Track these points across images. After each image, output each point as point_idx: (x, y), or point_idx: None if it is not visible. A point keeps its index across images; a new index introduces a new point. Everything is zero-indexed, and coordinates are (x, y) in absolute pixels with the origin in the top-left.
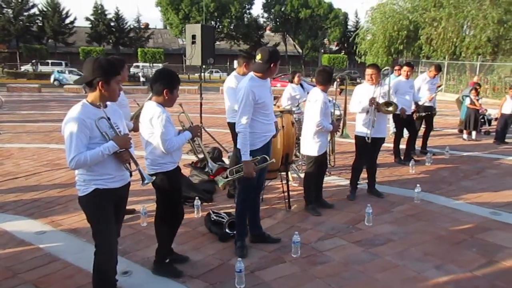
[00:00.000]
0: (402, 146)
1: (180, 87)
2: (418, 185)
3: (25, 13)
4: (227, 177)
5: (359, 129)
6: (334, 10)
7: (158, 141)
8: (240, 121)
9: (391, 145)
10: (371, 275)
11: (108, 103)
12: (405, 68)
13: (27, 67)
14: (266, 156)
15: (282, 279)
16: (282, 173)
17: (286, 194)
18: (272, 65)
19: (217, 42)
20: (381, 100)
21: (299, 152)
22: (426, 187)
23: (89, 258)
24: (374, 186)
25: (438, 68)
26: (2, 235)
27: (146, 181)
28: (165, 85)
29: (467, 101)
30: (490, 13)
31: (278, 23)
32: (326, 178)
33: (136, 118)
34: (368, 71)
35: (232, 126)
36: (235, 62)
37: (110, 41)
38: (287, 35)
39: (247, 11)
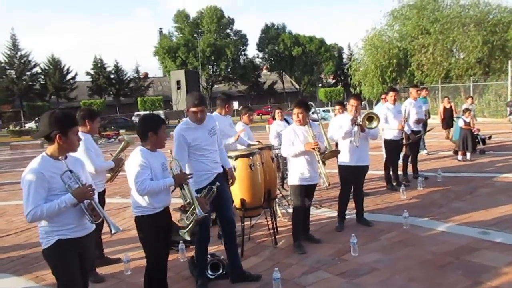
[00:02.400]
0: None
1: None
2: (405, 210)
3: (28, 73)
4: (187, 226)
5: (342, 159)
6: (325, 45)
7: (132, 184)
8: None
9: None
10: None
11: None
12: (391, 93)
13: (31, 125)
14: (212, 186)
15: None
16: (267, 209)
17: (272, 230)
18: (186, 111)
19: (216, 85)
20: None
21: (283, 186)
22: (416, 212)
23: None
24: (363, 215)
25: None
26: None
27: (113, 231)
28: (149, 128)
29: (460, 123)
30: (475, 36)
31: (273, 62)
32: (317, 211)
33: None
34: (352, 102)
35: None
36: (235, 103)
37: (111, 92)
38: (283, 73)
39: (243, 53)
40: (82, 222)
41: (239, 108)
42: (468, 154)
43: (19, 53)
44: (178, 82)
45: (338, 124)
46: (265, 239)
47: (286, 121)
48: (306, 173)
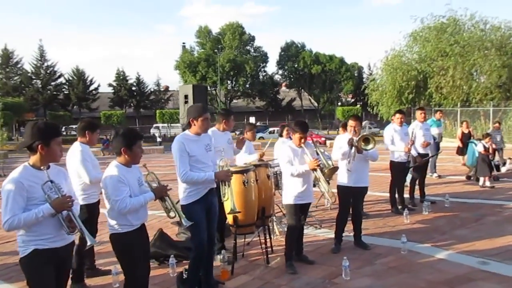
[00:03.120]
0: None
1: None
2: (403, 235)
3: (53, 83)
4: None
5: (341, 179)
6: (345, 64)
7: (110, 202)
8: (180, 171)
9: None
10: None
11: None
12: (397, 115)
13: None
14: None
15: None
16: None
17: (264, 249)
18: (191, 121)
19: (234, 100)
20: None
21: None
22: (417, 237)
23: None
24: (361, 238)
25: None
26: None
27: (88, 244)
28: (122, 144)
29: (480, 148)
30: (493, 60)
31: (292, 79)
32: (316, 231)
33: None
34: (351, 122)
35: None
36: (251, 118)
37: (132, 104)
38: (302, 90)
39: (262, 69)
40: (60, 233)
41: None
42: (487, 179)
43: (45, 64)
44: (186, 96)
45: (339, 144)
46: (258, 257)
47: (291, 138)
48: (300, 192)
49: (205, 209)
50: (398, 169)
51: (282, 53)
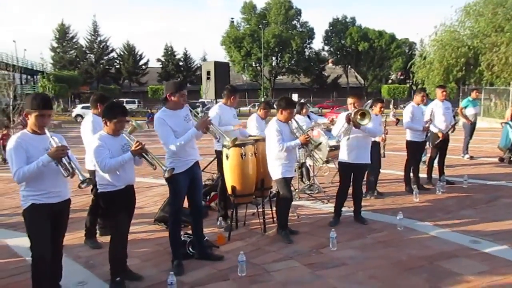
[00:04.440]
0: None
1: None
2: (400, 212)
3: (105, 57)
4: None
5: (342, 156)
6: (396, 40)
7: (94, 164)
8: (168, 146)
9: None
10: None
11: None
12: (420, 93)
13: None
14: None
15: None
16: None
17: (261, 219)
18: (168, 96)
19: (279, 77)
20: None
21: (306, 179)
22: (420, 215)
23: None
24: (360, 213)
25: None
26: (2, 248)
27: (81, 178)
28: (105, 116)
29: None
30: None
31: (339, 56)
32: (322, 205)
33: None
34: (350, 100)
35: (218, 154)
36: (294, 95)
37: (179, 79)
38: (349, 67)
39: (308, 45)
40: (55, 190)
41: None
42: None
43: (98, 39)
44: (208, 73)
45: (340, 120)
46: (258, 226)
47: (309, 117)
48: (289, 166)
49: (188, 180)
50: (413, 148)
51: (330, 28)
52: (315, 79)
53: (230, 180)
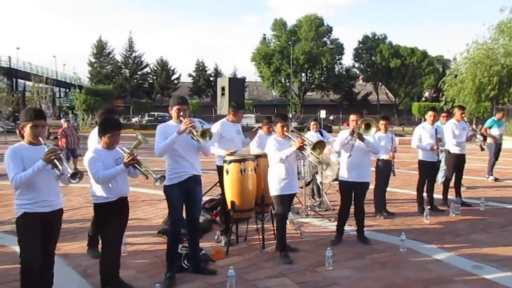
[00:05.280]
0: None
1: None
2: (403, 233)
3: (139, 72)
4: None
5: (342, 174)
6: (428, 57)
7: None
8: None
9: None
10: None
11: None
12: (430, 113)
13: (136, 119)
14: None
15: None
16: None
17: (261, 235)
18: (169, 109)
19: (308, 93)
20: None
21: (317, 196)
22: (427, 237)
23: (60, 277)
24: (363, 233)
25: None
26: (8, 254)
27: (68, 171)
28: (99, 131)
29: None
30: None
31: (369, 73)
32: (328, 223)
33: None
34: (352, 117)
35: (219, 169)
36: (322, 112)
37: (209, 94)
38: (379, 84)
39: (338, 62)
40: (47, 199)
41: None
42: None
43: (133, 54)
44: (223, 88)
45: (344, 135)
46: (258, 242)
47: (321, 133)
48: (286, 183)
49: (183, 193)
50: (425, 168)
51: (360, 45)
52: (345, 95)
53: (230, 195)
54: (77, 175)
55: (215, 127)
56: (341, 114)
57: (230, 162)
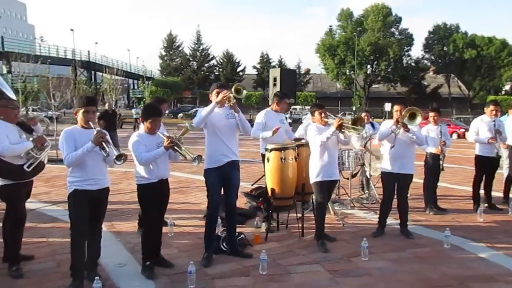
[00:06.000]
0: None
1: None
2: (447, 229)
3: (206, 64)
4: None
5: (384, 165)
6: (508, 46)
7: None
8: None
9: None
10: None
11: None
12: (491, 107)
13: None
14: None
15: (230, 287)
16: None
17: (300, 224)
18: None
19: (374, 85)
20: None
21: (366, 188)
22: (477, 235)
23: (110, 250)
24: (406, 227)
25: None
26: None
27: (115, 154)
28: (142, 116)
29: None
30: None
31: (440, 64)
32: (373, 216)
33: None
34: (396, 107)
35: (262, 157)
36: (387, 105)
37: None
38: (451, 76)
39: (406, 53)
40: (97, 178)
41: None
42: None
43: (201, 47)
44: (274, 79)
45: (387, 125)
46: (298, 231)
47: (372, 125)
48: (326, 169)
49: (221, 177)
50: (482, 164)
51: (431, 36)
52: (413, 88)
53: (270, 182)
54: (121, 157)
55: (259, 116)
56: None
57: (271, 150)
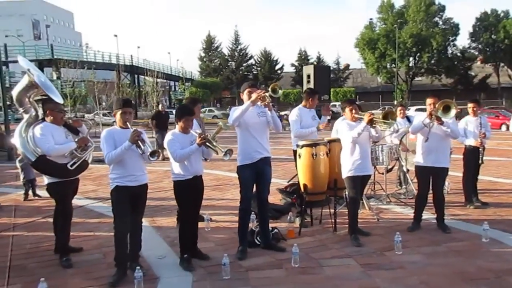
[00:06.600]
0: None
1: None
2: (485, 223)
3: (244, 64)
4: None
5: (417, 159)
6: None
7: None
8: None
9: None
10: None
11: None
12: None
13: None
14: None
15: (263, 279)
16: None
17: (333, 219)
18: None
19: (417, 78)
20: None
21: (404, 183)
22: None
23: (151, 244)
24: (443, 221)
25: None
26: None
27: (148, 150)
28: (176, 116)
29: None
30: None
31: (488, 53)
32: (409, 211)
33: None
34: (429, 101)
35: (294, 153)
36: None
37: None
38: (501, 65)
39: (451, 43)
40: (137, 174)
41: None
42: None
43: (239, 47)
44: (308, 76)
45: (421, 118)
46: (331, 226)
47: (408, 119)
48: (358, 164)
49: (254, 173)
50: None
51: (478, 23)
52: (459, 79)
53: (302, 178)
54: (156, 153)
55: (293, 114)
56: (454, 99)
57: (303, 146)
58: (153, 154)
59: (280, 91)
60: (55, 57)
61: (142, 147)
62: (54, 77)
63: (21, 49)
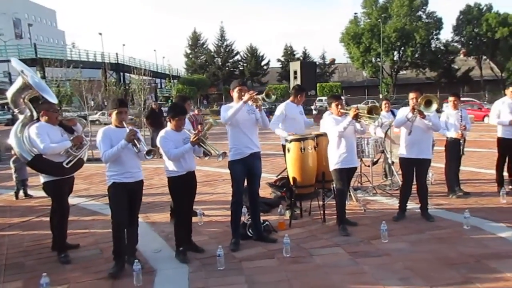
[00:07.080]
0: None
1: None
2: (466, 211)
3: (230, 60)
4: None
5: (401, 151)
6: None
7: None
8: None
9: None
10: (331, 275)
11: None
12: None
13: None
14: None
15: (256, 268)
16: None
17: (321, 210)
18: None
19: (402, 72)
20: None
21: (389, 175)
22: (497, 216)
23: (146, 239)
24: (426, 210)
25: None
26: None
27: (144, 149)
28: (168, 114)
29: None
30: None
31: (471, 46)
32: (394, 202)
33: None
34: (411, 95)
35: (284, 148)
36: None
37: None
38: (483, 58)
39: (435, 37)
40: (133, 171)
41: None
42: None
43: (225, 43)
44: (295, 72)
45: (404, 112)
46: (321, 217)
47: (392, 113)
48: (345, 157)
49: (245, 168)
50: (505, 146)
51: (461, 17)
52: (443, 73)
53: (291, 171)
54: (151, 152)
55: (279, 109)
56: (438, 92)
57: (291, 141)
58: (149, 152)
59: (274, 96)
60: (39, 56)
61: (138, 145)
62: (38, 77)
63: (2, 49)
